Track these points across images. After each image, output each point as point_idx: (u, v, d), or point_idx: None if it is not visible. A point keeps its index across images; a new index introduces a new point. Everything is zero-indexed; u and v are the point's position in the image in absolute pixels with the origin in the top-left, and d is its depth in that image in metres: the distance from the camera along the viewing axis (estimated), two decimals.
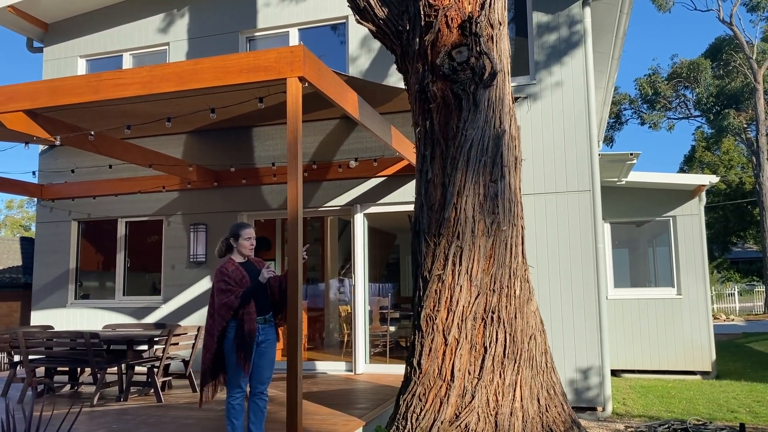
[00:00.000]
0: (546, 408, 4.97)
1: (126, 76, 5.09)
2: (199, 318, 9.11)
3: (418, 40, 5.05)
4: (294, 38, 9.36)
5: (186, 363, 7.18)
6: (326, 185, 8.90)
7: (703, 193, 10.64)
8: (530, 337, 5.04)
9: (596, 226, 7.78)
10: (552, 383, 5.12)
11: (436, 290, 4.86)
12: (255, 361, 4.64)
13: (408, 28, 5.17)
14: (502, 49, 5.08)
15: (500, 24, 5.07)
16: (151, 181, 9.36)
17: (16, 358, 7.41)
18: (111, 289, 10.13)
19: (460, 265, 4.81)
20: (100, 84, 5.16)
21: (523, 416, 4.84)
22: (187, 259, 9.30)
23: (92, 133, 6.23)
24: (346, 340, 10.14)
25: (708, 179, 10.18)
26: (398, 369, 8.59)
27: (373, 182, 8.67)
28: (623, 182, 10.12)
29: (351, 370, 8.63)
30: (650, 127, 32.08)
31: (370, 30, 5.55)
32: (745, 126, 30.15)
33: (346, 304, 11.14)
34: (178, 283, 9.34)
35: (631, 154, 8.38)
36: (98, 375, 6.56)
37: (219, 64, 4.84)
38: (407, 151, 7.61)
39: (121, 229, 9.91)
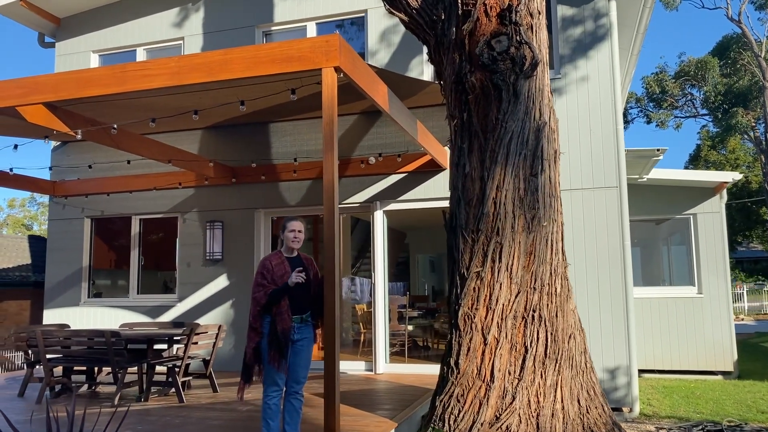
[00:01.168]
0: (587, 409, 4.82)
1: (153, 67, 4.94)
2: (214, 316, 8.97)
3: (454, 29, 4.89)
4: (311, 32, 9.20)
5: (206, 362, 7.03)
6: (345, 182, 8.74)
7: (725, 191, 10.49)
8: (570, 337, 4.89)
9: (623, 223, 7.62)
10: (592, 383, 4.97)
11: (474, 288, 4.71)
12: (290, 360, 4.50)
13: (443, 17, 5.01)
14: (541, 39, 4.93)
15: (539, 13, 4.91)
16: (167, 178, 9.21)
17: (34, 357, 7.26)
18: (124, 288, 9.98)
19: (500, 261, 4.66)
20: (126, 75, 5.01)
21: (563, 418, 4.69)
22: (203, 256, 9.15)
23: (115, 126, 6.08)
24: (363, 339, 10.00)
25: (731, 176, 10.03)
26: (417, 369, 8.46)
27: (393, 179, 8.52)
28: (644, 179, 9.96)
29: (371, 370, 8.48)
30: (658, 125, 31.91)
31: (401, 20, 5.40)
32: (753, 124, 29.98)
33: (359, 303, 11.00)
34: (193, 281, 9.18)
35: (658, 150, 8.23)
36: (119, 375, 6.41)
37: (250, 54, 4.68)
38: (431, 146, 7.46)
39: (135, 227, 9.76)
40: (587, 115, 7.85)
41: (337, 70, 4.51)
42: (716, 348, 10.31)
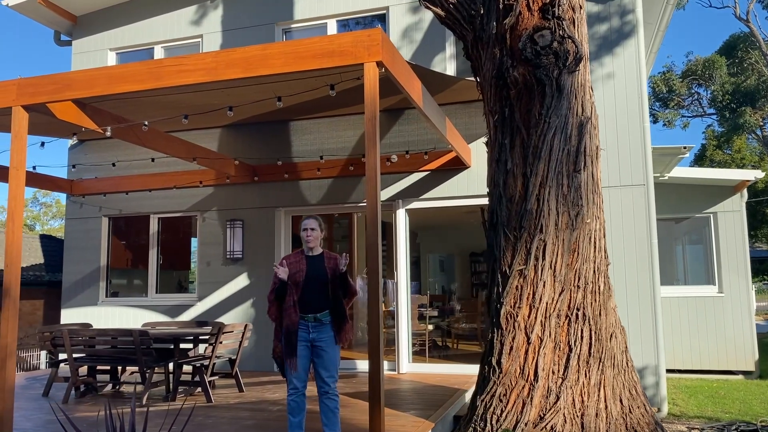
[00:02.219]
0: (629, 409, 4.76)
1: (189, 62, 4.87)
2: (235, 316, 8.90)
3: (494, 24, 4.83)
4: (332, 30, 9.14)
5: (232, 362, 6.96)
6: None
7: (745, 189, 10.41)
8: (611, 335, 4.82)
9: (650, 221, 7.55)
10: (633, 383, 4.91)
11: (517, 286, 4.64)
12: (314, 361, 4.47)
13: (482, 12, 4.95)
14: (582, 34, 4.86)
15: (580, 7, 4.85)
16: (186, 176, 9.15)
17: (58, 356, 7.20)
18: (141, 287, 9.92)
19: (544, 259, 4.60)
20: (162, 70, 4.95)
21: (606, 417, 4.62)
22: (223, 255, 9.08)
23: (146, 123, 6.02)
24: (382, 338, 9.91)
25: (752, 174, 9.96)
26: (440, 369, 8.39)
27: (416, 177, 8.45)
28: (665, 178, 9.89)
29: (394, 370, 8.41)
30: (665, 125, 31.84)
31: (437, 15, 5.33)
32: (761, 124, 29.91)
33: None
34: (213, 280, 9.12)
35: (684, 148, 8.17)
36: (146, 374, 6.34)
37: (290, 49, 4.62)
38: (457, 143, 7.39)
39: (154, 225, 9.70)
40: (614, 112, 7.78)
41: (379, 64, 4.45)
42: (737, 347, 10.23)
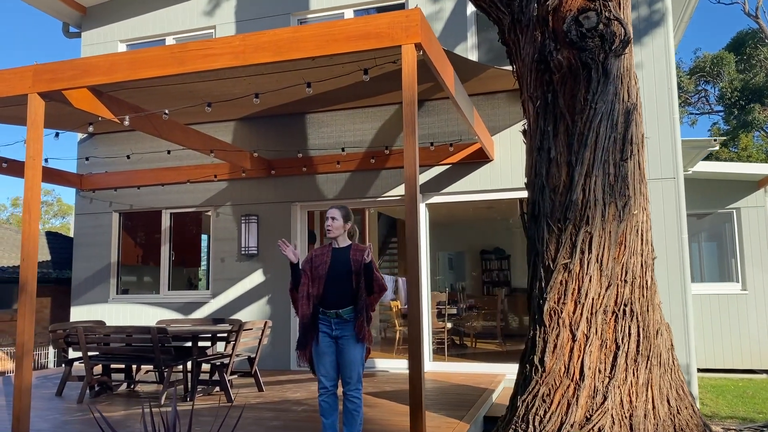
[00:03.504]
0: (677, 410, 4.54)
1: (216, 46, 4.64)
2: (250, 313, 8.68)
3: (535, 5, 4.60)
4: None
5: (251, 360, 6.74)
6: (385, 174, 8.45)
7: None
8: (657, 332, 4.60)
9: (681, 216, 7.33)
10: (680, 382, 4.69)
11: (561, 281, 4.42)
12: (337, 359, 4.22)
13: None
14: (628, 16, 4.64)
15: None
16: (200, 170, 8.94)
17: (71, 354, 6.99)
18: (152, 284, 9.71)
19: (590, 253, 4.37)
20: (186, 55, 4.72)
21: (654, 419, 4.40)
22: (237, 251, 8.86)
23: (166, 111, 5.79)
24: (398, 337, 9.71)
25: None
26: (460, 367, 8.16)
27: (436, 170, 8.22)
28: (689, 172, 9.66)
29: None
30: None
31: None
32: None
33: (393, 300, 10.70)
34: (227, 276, 8.89)
35: (714, 140, 7.94)
36: (165, 373, 6.12)
37: (323, 32, 4.39)
38: (483, 135, 7.16)
39: (166, 221, 9.47)
40: (643, 103, 7.53)
41: (418, 47, 4.22)
42: (762, 346, 10.01)
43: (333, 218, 4.26)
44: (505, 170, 7.93)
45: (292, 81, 5.95)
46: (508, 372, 7.77)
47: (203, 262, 10.75)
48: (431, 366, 8.16)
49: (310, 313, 4.22)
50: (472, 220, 14.85)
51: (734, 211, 10.38)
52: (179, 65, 4.71)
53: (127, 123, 5.64)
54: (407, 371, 8.09)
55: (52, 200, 48.10)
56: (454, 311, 10.02)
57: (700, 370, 10.27)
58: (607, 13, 4.38)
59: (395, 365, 8.36)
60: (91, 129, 6.13)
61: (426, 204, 8.31)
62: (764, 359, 10.02)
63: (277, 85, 6.11)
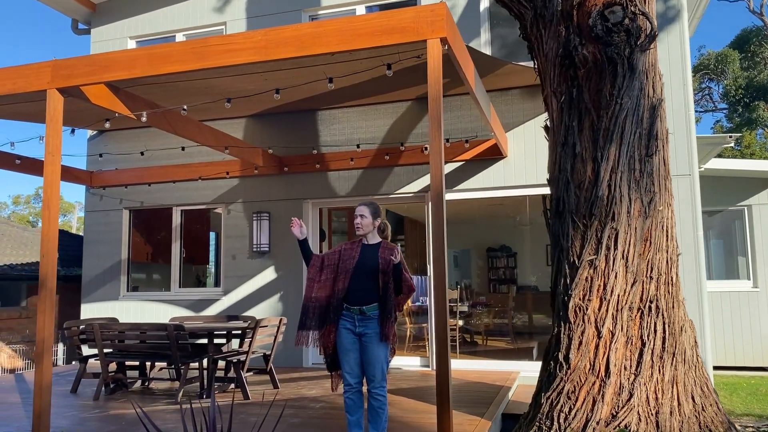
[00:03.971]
0: (702, 407, 4.51)
1: (237, 41, 4.61)
2: (262, 310, 8.65)
3: (560, 0, 4.56)
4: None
5: (266, 357, 6.72)
6: (397, 171, 8.42)
7: None
8: (682, 329, 4.57)
9: (696, 213, 7.30)
10: (705, 379, 4.66)
11: (587, 277, 4.39)
12: (361, 356, 4.20)
13: None
14: (652, 10, 4.60)
15: None
16: (211, 167, 8.90)
17: (86, 351, 6.96)
18: (162, 281, 9.69)
19: (615, 249, 4.34)
20: (207, 50, 4.68)
21: (680, 416, 4.37)
22: (249, 248, 8.83)
23: (185, 108, 5.76)
24: (408, 334, 9.69)
25: None
26: (473, 365, 8.14)
27: (449, 167, 8.18)
28: (701, 169, 9.62)
29: (427, 366, 8.18)
30: None
31: None
32: None
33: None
34: (239, 274, 8.87)
35: (730, 137, 7.90)
36: (181, 370, 6.10)
37: (346, 26, 4.35)
38: (498, 131, 7.13)
39: (177, 218, 9.45)
40: None
41: (443, 41, 4.19)
42: None
43: (362, 215, 4.22)
44: (518, 167, 7.90)
45: (309, 77, 5.92)
46: (521, 369, 7.76)
47: (212, 260, 10.72)
48: None
49: (326, 302, 4.19)
50: (478, 218, 14.82)
51: (745, 208, 10.35)
52: (200, 60, 4.68)
53: (144, 119, 5.60)
54: (419, 368, 8.12)
55: None
56: (465, 309, 9.99)
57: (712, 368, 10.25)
58: (632, 8, 4.35)
59: (407, 362, 8.33)
60: (107, 125, 6.10)
61: None
62: None
63: (293, 81, 6.08)
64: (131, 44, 9.88)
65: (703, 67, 30.87)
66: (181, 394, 5.99)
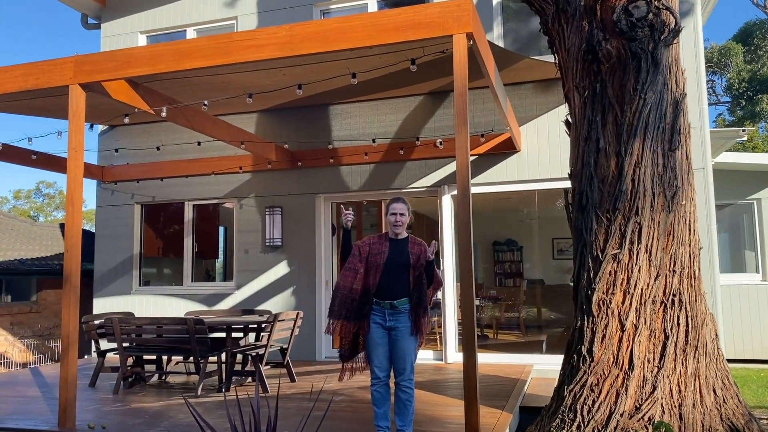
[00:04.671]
0: (723, 399, 4.55)
1: (261, 37, 4.62)
2: (275, 304, 8.69)
3: None
4: (372, 9, 8.86)
5: (283, 351, 6.76)
6: (410, 165, 8.44)
7: None
8: (703, 322, 4.61)
9: (709, 207, 7.35)
10: (725, 372, 4.70)
11: (610, 271, 4.42)
12: (390, 350, 4.25)
13: None
14: (676, 5, 4.62)
15: None
16: (224, 162, 8.93)
17: (104, 345, 7.00)
18: (173, 276, 9.72)
19: (639, 243, 4.37)
20: (231, 45, 4.70)
21: (702, 407, 4.42)
22: (262, 243, 8.86)
23: (206, 103, 5.78)
24: None
25: None
26: (486, 358, 8.19)
27: None
28: (713, 162, 9.63)
29: (440, 359, 8.24)
30: None
31: None
32: None
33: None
34: (251, 268, 8.90)
35: (743, 131, 7.92)
36: (201, 364, 6.13)
37: (371, 22, 4.37)
38: (514, 126, 7.15)
39: (189, 213, 9.47)
40: None
41: (469, 36, 4.21)
42: None
43: (402, 214, 4.26)
44: (532, 161, 7.93)
45: (327, 72, 5.93)
46: (534, 363, 7.81)
47: (221, 254, 10.75)
48: (457, 357, 8.17)
49: (359, 295, 4.21)
50: (483, 211, 14.84)
51: (755, 201, 10.38)
52: (224, 56, 4.70)
53: (164, 114, 5.62)
54: (432, 362, 8.17)
55: (54, 192, 48.07)
56: (477, 302, 10.03)
57: None
58: (656, 3, 4.36)
59: (420, 356, 8.27)
60: (126, 120, 6.11)
61: (452, 195, 8.31)
62: None
63: (310, 76, 6.09)
64: (142, 39, 9.88)
65: (707, 61, 30.80)
66: (200, 388, 6.03)
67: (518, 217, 15.05)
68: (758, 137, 37.67)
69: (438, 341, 8.61)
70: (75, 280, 4.93)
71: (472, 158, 8.14)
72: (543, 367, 7.63)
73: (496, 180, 8.07)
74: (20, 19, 60.67)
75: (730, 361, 10.15)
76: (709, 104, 33.38)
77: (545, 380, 7.11)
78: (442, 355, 8.22)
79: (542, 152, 7.85)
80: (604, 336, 4.42)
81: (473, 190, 8.17)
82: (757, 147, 38.24)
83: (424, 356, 8.34)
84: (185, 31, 9.70)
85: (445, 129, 8.22)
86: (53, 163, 8.28)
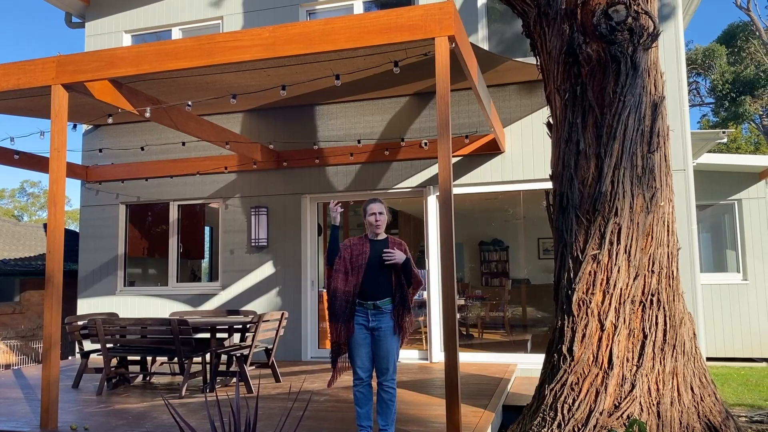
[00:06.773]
0: (701, 397, 4.63)
1: (245, 38, 4.64)
2: (260, 305, 8.69)
3: None
4: (358, 11, 8.88)
5: (268, 352, 6.77)
6: (395, 166, 8.48)
7: None
8: (681, 322, 4.69)
9: (690, 207, 7.45)
10: (703, 370, 4.78)
11: (590, 272, 4.48)
12: (372, 350, 4.29)
13: None
14: (654, 9, 4.69)
15: None
16: (210, 162, 8.91)
17: (87, 346, 6.97)
18: (158, 276, 9.68)
19: (618, 244, 4.44)
20: (215, 47, 4.71)
21: (680, 406, 4.49)
22: (247, 243, 8.86)
23: (189, 103, 5.78)
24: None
25: None
26: (470, 357, 8.28)
27: None
28: (694, 164, 9.76)
29: (425, 359, 8.28)
30: None
31: None
32: (761, 113, 30.04)
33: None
34: (237, 268, 8.89)
35: (723, 132, 8.04)
36: (185, 365, 6.13)
37: (354, 24, 4.40)
38: (497, 127, 7.21)
39: (174, 213, 9.44)
40: None
41: (451, 39, 4.25)
42: (762, 334, 10.19)
43: (381, 213, 4.31)
44: (515, 162, 7.99)
45: (312, 73, 5.95)
46: (518, 362, 7.88)
47: (206, 254, 10.73)
48: (442, 356, 8.22)
49: (352, 298, 4.24)
50: (469, 212, 14.92)
51: (736, 202, 10.53)
52: (208, 57, 4.71)
53: (148, 115, 5.61)
54: (417, 361, 8.22)
55: (39, 192, 47.61)
56: (462, 302, 10.10)
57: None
58: (636, 7, 4.43)
59: (405, 355, 8.42)
60: (110, 120, 6.09)
61: (437, 196, 8.35)
62: (765, 348, 10.21)
63: (296, 77, 6.10)
64: (126, 38, 9.83)
65: (691, 62, 31.12)
66: (184, 389, 6.03)
67: (504, 217, 15.15)
68: (741, 138, 38.15)
69: (423, 341, 8.65)
70: (58, 280, 4.91)
71: (456, 159, 8.20)
72: (527, 366, 7.70)
73: (481, 181, 8.13)
74: (1, 17, 59.99)
75: (711, 359, 10.34)
76: (693, 105, 33.76)
77: (529, 379, 7.18)
78: (427, 354, 8.27)
79: (526, 153, 7.92)
80: (584, 335, 4.48)
81: (458, 190, 8.27)
82: (741, 148, 38.74)
83: (410, 356, 8.39)
84: (170, 30, 9.67)
85: (431, 130, 8.26)
86: (36, 162, 8.22)
